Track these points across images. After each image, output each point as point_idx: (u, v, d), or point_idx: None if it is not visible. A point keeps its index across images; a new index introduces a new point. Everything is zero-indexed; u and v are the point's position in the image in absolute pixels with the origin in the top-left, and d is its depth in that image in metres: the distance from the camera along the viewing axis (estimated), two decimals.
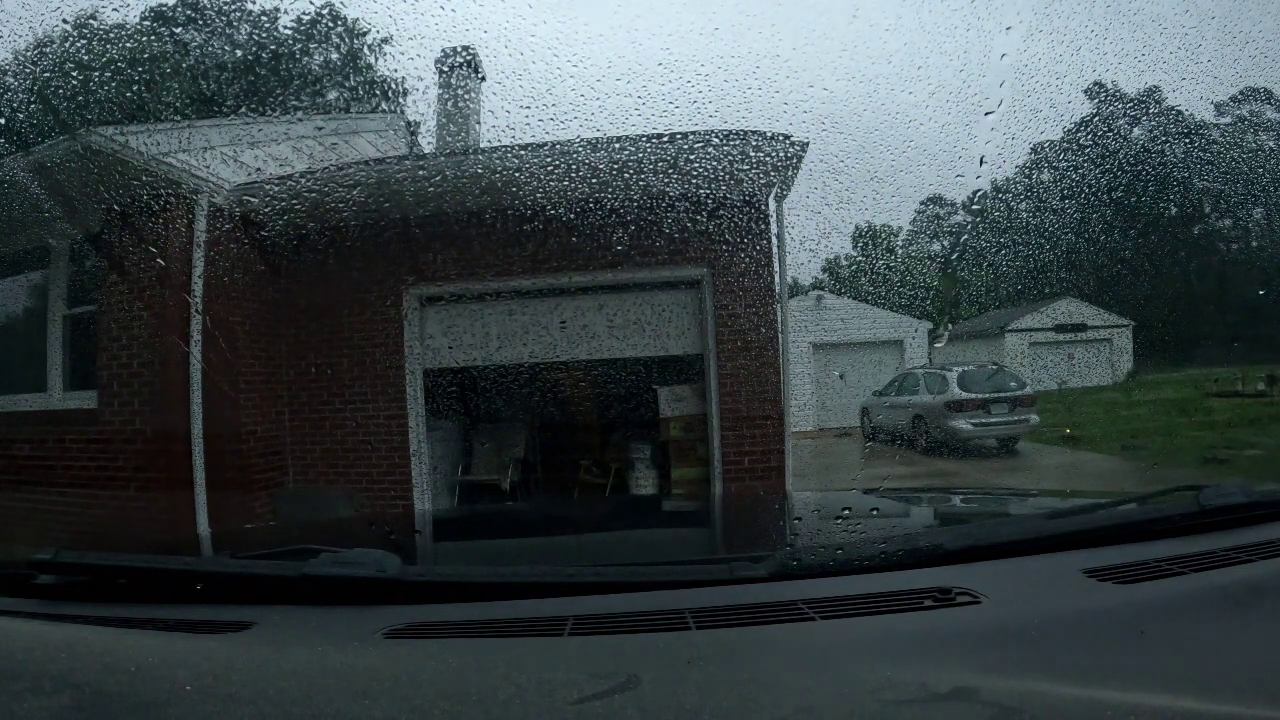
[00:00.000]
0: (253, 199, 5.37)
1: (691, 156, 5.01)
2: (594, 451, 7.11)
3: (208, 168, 5.15)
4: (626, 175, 5.05)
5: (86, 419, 5.13)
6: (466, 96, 7.02)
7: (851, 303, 14.27)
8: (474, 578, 1.08)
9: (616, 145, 4.96)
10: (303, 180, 5.43)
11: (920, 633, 0.81)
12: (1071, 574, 0.94)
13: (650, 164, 4.98)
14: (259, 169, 5.50)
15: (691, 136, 4.89)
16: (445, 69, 7.01)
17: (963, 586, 0.89)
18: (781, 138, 4.93)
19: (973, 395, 9.19)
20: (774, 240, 5.55)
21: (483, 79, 7.17)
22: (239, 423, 5.40)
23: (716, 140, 4.94)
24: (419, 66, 6.97)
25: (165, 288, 4.93)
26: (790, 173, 5.23)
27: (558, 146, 4.97)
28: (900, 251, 26.71)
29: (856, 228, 24.44)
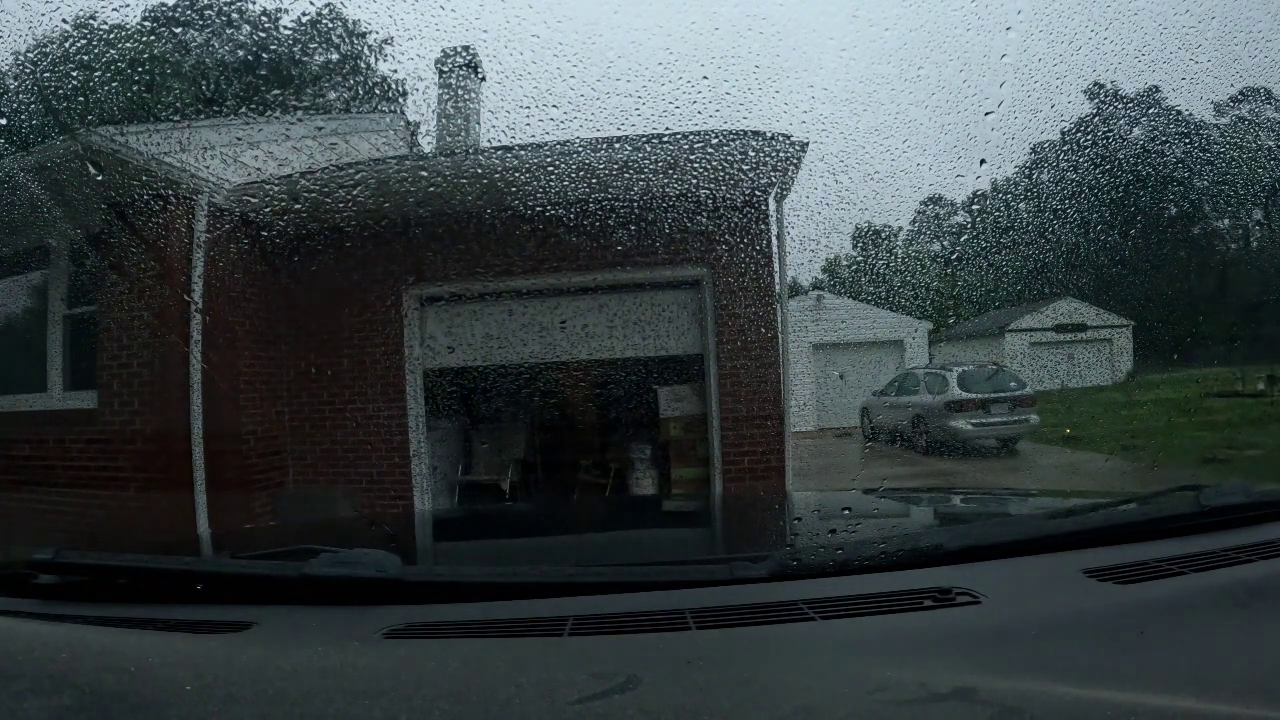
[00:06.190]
0: (253, 199, 5.36)
1: (691, 156, 5.00)
2: (594, 452, 7.11)
3: (208, 168, 5.14)
4: (626, 175, 5.05)
5: (86, 419, 5.12)
6: (466, 96, 7.02)
7: (851, 303, 14.27)
8: (474, 578, 1.08)
9: (616, 145, 4.96)
10: (303, 180, 5.43)
11: (920, 633, 0.81)
12: (1071, 574, 0.94)
13: (650, 164, 4.98)
14: (259, 169, 5.49)
15: (691, 136, 4.89)
16: (445, 69, 7.01)
17: (963, 586, 0.89)
18: (781, 138, 4.93)
19: (973, 395, 9.19)
20: (774, 240, 5.55)
21: (483, 79, 7.17)
22: (239, 423, 5.40)
23: (716, 140, 4.93)
24: (419, 66, 6.97)
25: (165, 288, 4.93)
26: (790, 173, 5.23)
27: (558, 146, 4.96)
28: (900, 251, 26.69)
29: (856, 228, 24.44)
